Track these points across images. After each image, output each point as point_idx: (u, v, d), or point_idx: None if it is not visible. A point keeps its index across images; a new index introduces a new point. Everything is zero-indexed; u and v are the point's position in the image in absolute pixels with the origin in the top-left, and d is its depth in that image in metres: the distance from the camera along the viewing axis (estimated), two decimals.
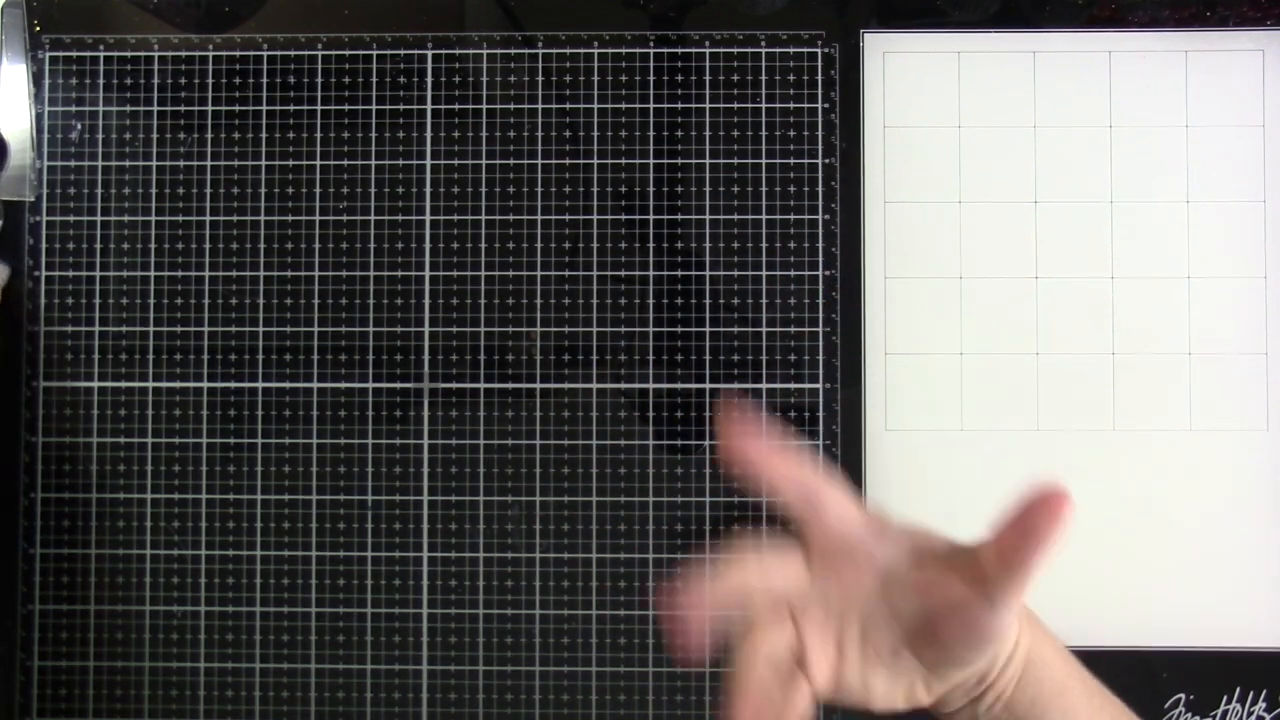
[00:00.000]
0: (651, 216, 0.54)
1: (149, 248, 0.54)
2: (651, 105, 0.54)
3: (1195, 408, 0.54)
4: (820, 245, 0.54)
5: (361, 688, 0.53)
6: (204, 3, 0.55)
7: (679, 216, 0.54)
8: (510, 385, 0.54)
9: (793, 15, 0.55)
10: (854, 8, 0.55)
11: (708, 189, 0.54)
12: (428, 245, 0.54)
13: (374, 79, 0.55)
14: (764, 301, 0.54)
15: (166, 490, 0.54)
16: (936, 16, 0.55)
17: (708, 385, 0.54)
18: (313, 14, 0.55)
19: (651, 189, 0.54)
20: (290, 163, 0.55)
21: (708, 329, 0.54)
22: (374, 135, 0.55)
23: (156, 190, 0.55)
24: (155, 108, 0.55)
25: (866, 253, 0.54)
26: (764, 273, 0.54)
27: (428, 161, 0.55)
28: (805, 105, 0.54)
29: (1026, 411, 0.54)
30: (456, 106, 0.55)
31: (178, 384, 0.54)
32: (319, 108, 0.55)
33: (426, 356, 0.54)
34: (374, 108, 0.55)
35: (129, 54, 0.55)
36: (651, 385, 0.54)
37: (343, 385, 0.54)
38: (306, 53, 0.55)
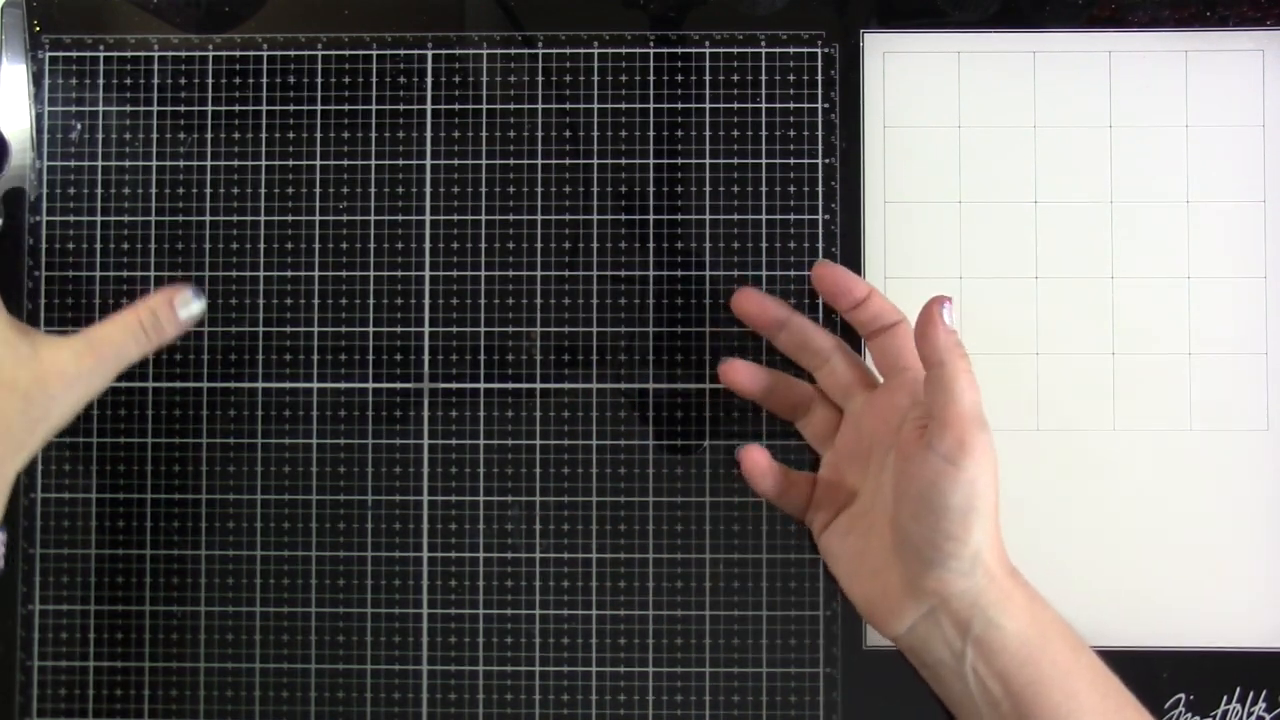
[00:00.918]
0: (651, 216, 0.54)
1: (149, 248, 0.54)
2: (651, 105, 0.55)
3: (1195, 408, 0.54)
4: (820, 245, 0.54)
5: (361, 688, 0.53)
6: (204, 3, 0.55)
7: (679, 216, 0.54)
8: (510, 385, 0.54)
9: (793, 15, 0.55)
10: (854, 8, 0.55)
11: (708, 189, 0.54)
12: (428, 245, 0.54)
13: (374, 79, 0.55)
14: None
15: (166, 490, 0.54)
16: (936, 16, 0.55)
17: (708, 385, 0.54)
18: (313, 14, 0.55)
19: (651, 189, 0.54)
20: (290, 163, 0.55)
21: (708, 329, 0.54)
22: (374, 135, 0.55)
23: (156, 190, 0.55)
24: (155, 108, 0.55)
25: (866, 253, 0.54)
26: (764, 273, 0.54)
27: (428, 161, 0.55)
28: (805, 105, 0.54)
29: (1026, 411, 0.54)
30: (456, 106, 0.55)
31: (178, 384, 0.54)
32: (319, 108, 0.55)
33: (426, 356, 0.54)
34: (374, 108, 0.55)
35: (129, 54, 0.55)
36: (651, 385, 0.54)
37: (343, 385, 0.54)
38: (306, 53, 0.55)
